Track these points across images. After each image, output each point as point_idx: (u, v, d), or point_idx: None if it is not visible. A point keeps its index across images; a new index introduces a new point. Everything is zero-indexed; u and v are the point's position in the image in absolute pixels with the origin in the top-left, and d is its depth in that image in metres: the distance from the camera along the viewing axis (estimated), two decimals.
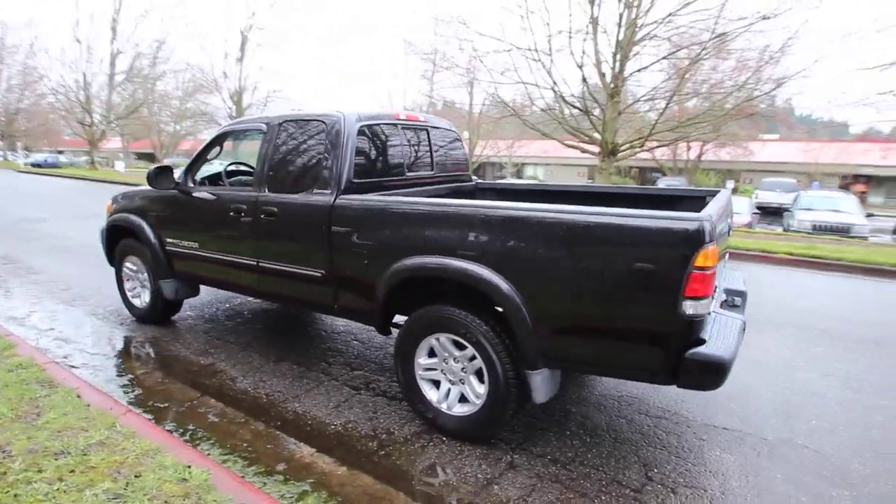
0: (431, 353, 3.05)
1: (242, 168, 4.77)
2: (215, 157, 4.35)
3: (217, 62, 25.39)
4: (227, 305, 5.42)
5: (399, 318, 3.21)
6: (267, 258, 3.67)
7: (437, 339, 2.97)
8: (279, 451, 2.83)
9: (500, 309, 2.72)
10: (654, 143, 14.30)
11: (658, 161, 30.64)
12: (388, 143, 3.78)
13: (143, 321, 4.79)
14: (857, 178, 30.64)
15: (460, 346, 2.91)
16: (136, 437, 2.68)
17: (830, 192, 17.60)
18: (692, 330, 2.28)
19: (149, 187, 4.49)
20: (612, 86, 13.50)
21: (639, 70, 14.08)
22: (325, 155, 3.40)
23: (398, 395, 3.50)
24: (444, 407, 3.02)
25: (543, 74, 13.29)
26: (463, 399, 2.98)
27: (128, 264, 4.81)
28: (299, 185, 3.52)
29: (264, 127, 3.80)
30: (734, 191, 28.80)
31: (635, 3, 12.88)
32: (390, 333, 3.31)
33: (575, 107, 13.10)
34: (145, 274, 4.64)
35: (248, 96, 25.95)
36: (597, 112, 13.07)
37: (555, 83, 12.81)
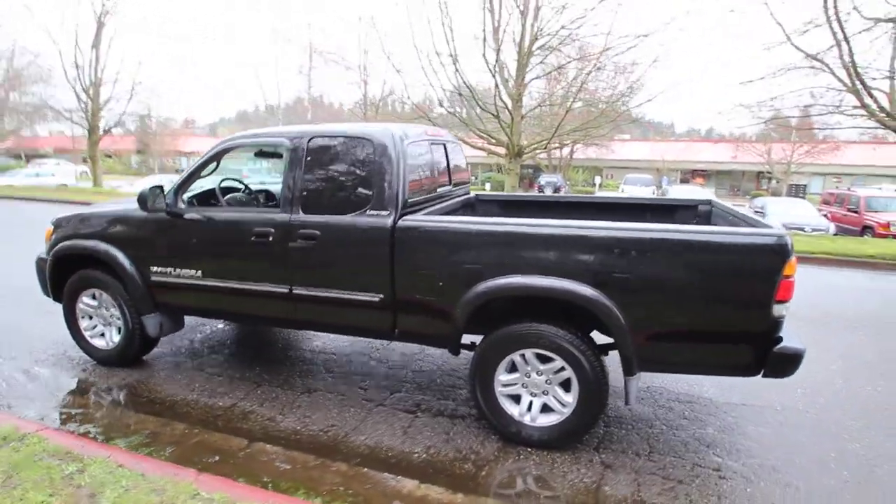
0: (511, 369, 3.12)
1: (232, 186, 4.30)
2: (209, 175, 3.87)
3: (67, 49, 21.37)
4: (200, 335, 4.84)
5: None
6: (304, 285, 3.40)
7: (522, 355, 3.05)
8: (384, 490, 2.70)
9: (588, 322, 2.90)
10: (556, 145, 15.49)
11: (536, 159, 33.07)
12: (424, 159, 3.72)
13: (110, 363, 4.10)
14: (695, 172, 36.16)
15: (544, 360, 3.03)
16: (236, 501, 2.37)
17: (691, 187, 20.60)
18: (778, 329, 2.68)
19: (118, 209, 3.90)
20: (515, 92, 14.35)
21: (535, 78, 15.17)
22: (376, 174, 3.25)
23: (457, 414, 3.50)
24: (527, 419, 3.11)
25: (450, 77, 13.66)
26: (545, 409, 3.10)
27: (85, 299, 4.07)
28: (345, 206, 3.32)
29: (288, 143, 3.50)
30: (601, 186, 32.25)
31: (530, 14, 13.81)
32: (459, 353, 3.30)
33: (486, 110, 13.65)
34: (114, 309, 3.97)
35: (106, 90, 22.49)
36: (504, 116, 13.75)
37: (468, 87, 13.21)
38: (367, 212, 3.25)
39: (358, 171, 3.34)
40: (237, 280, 3.57)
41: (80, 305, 4.10)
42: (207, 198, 4.06)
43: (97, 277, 3.97)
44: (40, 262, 4.23)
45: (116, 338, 4.05)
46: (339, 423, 3.35)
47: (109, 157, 42.55)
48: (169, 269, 3.73)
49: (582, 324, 3.03)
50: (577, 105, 15.01)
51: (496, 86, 13.13)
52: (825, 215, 15.14)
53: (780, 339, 2.69)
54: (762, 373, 2.74)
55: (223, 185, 4.28)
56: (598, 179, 32.91)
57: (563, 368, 2.98)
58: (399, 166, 3.26)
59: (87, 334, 4.14)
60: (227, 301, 3.67)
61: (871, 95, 9.58)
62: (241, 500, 2.39)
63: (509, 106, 13.78)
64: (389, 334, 3.37)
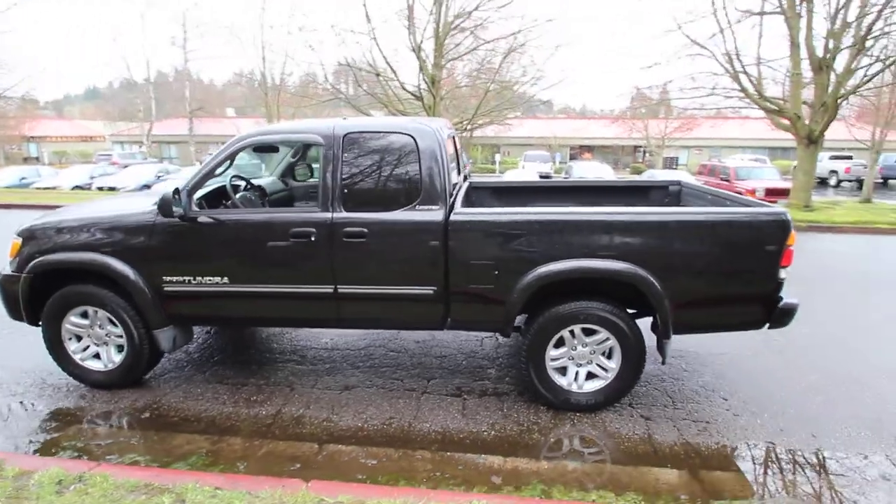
0: (558, 345, 3.44)
1: (241, 183, 4.03)
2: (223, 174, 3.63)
3: None
4: (192, 345, 4.52)
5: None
6: (351, 283, 3.39)
7: (571, 331, 3.38)
8: (477, 469, 2.89)
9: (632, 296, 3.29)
10: (476, 124, 15.92)
11: None
12: (452, 152, 3.83)
13: (109, 386, 3.73)
14: (581, 147, 39.04)
15: (589, 333, 3.39)
16: (365, 501, 2.43)
17: (589, 163, 22.33)
18: (781, 289, 3.28)
19: (116, 214, 3.56)
20: (431, 73, 14.47)
21: (450, 60, 15.40)
22: (424, 169, 3.32)
23: (498, 391, 3.76)
24: (574, 388, 3.46)
25: (372, 57, 13.41)
26: (590, 377, 3.48)
27: (73, 319, 3.64)
28: (390, 202, 3.35)
29: (320, 139, 3.41)
30: (500, 163, 33.62)
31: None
32: (510, 336, 3.53)
33: (408, 91, 13.63)
34: (111, 326, 3.62)
35: None
36: (427, 99, 13.85)
37: (391, 68, 13.07)
38: (417, 207, 3.32)
39: (401, 167, 3.38)
40: (273, 284, 3.45)
41: (66, 326, 3.66)
42: (216, 198, 3.79)
43: (89, 293, 3.57)
44: (4, 281, 3.67)
45: (117, 357, 3.69)
46: (397, 415, 3.44)
47: None
48: (188, 279, 3.48)
49: (619, 298, 3.42)
50: (493, 87, 15.55)
51: (419, 68, 13.15)
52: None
53: (781, 298, 3.30)
54: (768, 325, 3.35)
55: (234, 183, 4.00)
56: (497, 157, 34.24)
57: (607, 339, 3.36)
58: (443, 160, 3.36)
59: (76, 357, 3.71)
60: (260, 306, 3.53)
61: (750, 80, 11.22)
62: (369, 499, 2.46)
63: (430, 88, 13.88)
64: (440, 325, 3.50)
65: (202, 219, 3.42)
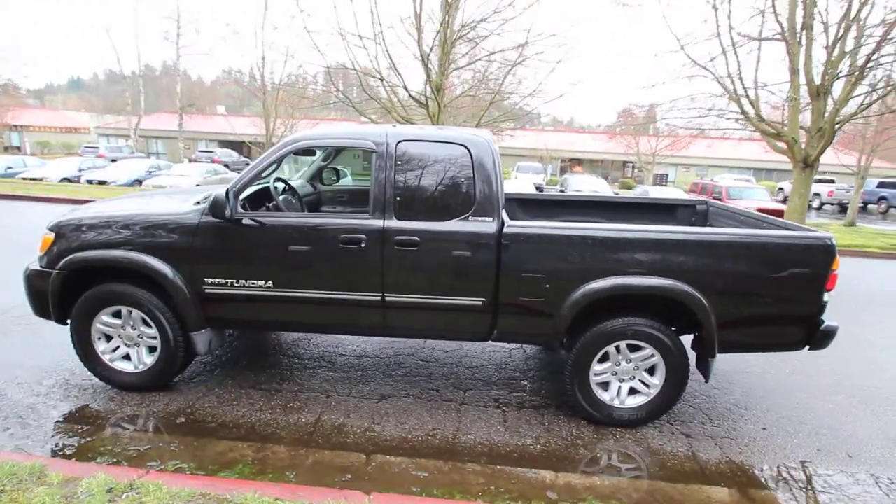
0: (602, 360, 3.45)
1: (283, 187, 3.97)
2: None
3: None
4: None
5: None
6: (399, 292, 3.36)
7: (617, 347, 3.39)
8: (530, 483, 2.88)
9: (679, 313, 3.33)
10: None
11: None
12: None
13: (139, 388, 3.62)
14: (572, 160, 39.49)
15: (633, 349, 3.41)
16: None
17: (588, 176, 22.57)
18: (823, 312, 3.34)
19: (158, 211, 3.49)
20: (436, 81, 14.51)
21: (456, 69, 15.49)
22: (478, 180, 3.32)
23: (536, 404, 3.76)
24: (616, 403, 3.47)
25: (378, 62, 13.39)
26: (632, 392, 3.50)
27: (105, 318, 3.54)
28: (443, 212, 3.34)
29: (373, 145, 3.39)
30: None
31: (451, 5, 14.03)
32: (556, 349, 3.53)
33: (413, 98, 13.63)
34: (144, 327, 3.53)
35: None
36: (432, 107, 13.86)
37: (399, 74, 13.06)
38: (470, 218, 3.31)
39: (454, 177, 3.37)
40: (318, 289, 3.40)
41: (97, 325, 3.55)
42: (256, 200, 3.73)
43: (124, 292, 3.47)
44: (33, 277, 3.55)
45: (148, 359, 3.59)
46: (440, 426, 3.41)
47: None
48: (230, 281, 3.41)
49: (664, 316, 3.45)
50: (497, 98, 15.64)
51: (427, 76, 13.17)
52: None
53: (823, 321, 3.37)
54: (808, 347, 3.41)
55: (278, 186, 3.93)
56: None
57: (652, 355, 3.38)
58: (497, 172, 3.37)
59: (105, 358, 3.60)
60: (304, 312, 3.48)
61: (751, 103, 11.48)
62: None
63: (435, 96, 13.90)
64: (486, 336, 3.49)
65: (249, 221, 3.36)
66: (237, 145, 37.93)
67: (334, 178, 5.12)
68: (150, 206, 3.69)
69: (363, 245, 3.31)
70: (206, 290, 3.43)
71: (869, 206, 26.60)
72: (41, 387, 3.65)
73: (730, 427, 3.58)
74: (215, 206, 3.17)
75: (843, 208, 25.31)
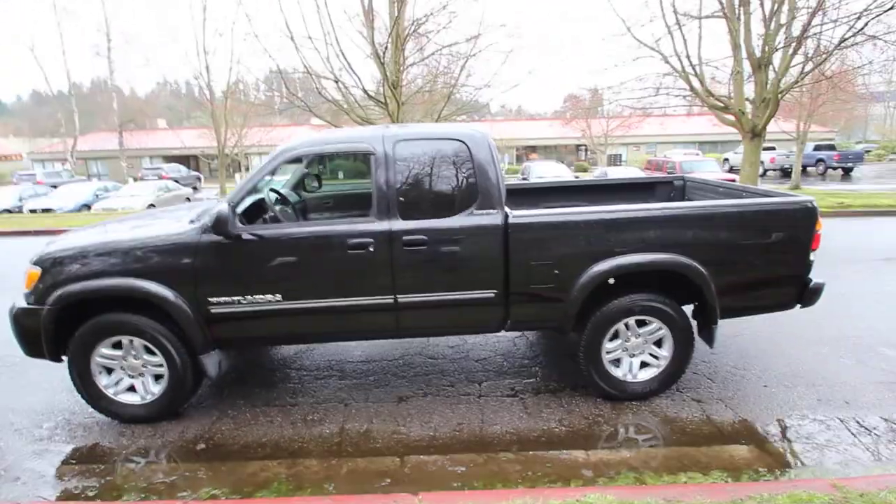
0: (612, 338, 3.56)
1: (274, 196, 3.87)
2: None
3: None
4: None
5: None
6: (412, 291, 3.37)
7: (626, 323, 3.51)
8: (566, 464, 2.95)
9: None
10: None
11: None
12: None
13: (147, 420, 3.48)
14: (527, 148, 40.06)
15: (641, 324, 3.54)
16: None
17: (548, 163, 22.93)
18: (811, 270, 3.56)
19: (150, 234, 3.38)
20: (392, 79, 14.42)
21: (411, 65, 15.43)
22: (479, 174, 3.35)
23: (550, 389, 3.84)
24: (629, 378, 3.60)
25: (331, 65, 13.18)
26: (643, 366, 3.63)
27: (104, 350, 3.38)
28: (447, 208, 3.36)
29: (370, 148, 3.36)
30: None
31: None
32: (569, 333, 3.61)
33: (373, 98, 13.50)
34: (147, 356, 3.40)
35: None
36: (391, 106, 13.76)
37: (355, 74, 12.90)
38: (474, 212, 3.35)
39: (455, 172, 3.39)
40: (329, 298, 3.35)
41: (95, 359, 3.39)
42: (250, 213, 3.63)
43: (124, 321, 3.33)
44: (21, 315, 3.34)
45: (155, 388, 3.46)
46: (464, 420, 3.44)
47: None
48: (237, 298, 3.32)
49: (665, 290, 3.60)
50: (453, 92, 15.69)
51: (384, 75, 13.06)
52: None
53: (811, 279, 3.59)
54: (799, 305, 3.64)
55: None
56: None
57: (659, 328, 3.52)
58: (495, 164, 3.41)
59: (108, 392, 3.44)
60: (315, 322, 3.43)
61: (699, 80, 11.99)
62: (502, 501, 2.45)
63: (393, 93, 13.81)
64: (499, 327, 3.54)
65: (251, 235, 3.28)
66: (184, 159, 36.55)
67: (316, 185, 5.04)
68: (141, 230, 3.53)
69: (371, 248, 3.29)
70: (213, 311, 3.33)
71: (808, 168, 28.24)
72: (42, 430, 3.46)
73: (735, 388, 3.78)
74: (219, 223, 3.08)
75: (784, 173, 26.77)
